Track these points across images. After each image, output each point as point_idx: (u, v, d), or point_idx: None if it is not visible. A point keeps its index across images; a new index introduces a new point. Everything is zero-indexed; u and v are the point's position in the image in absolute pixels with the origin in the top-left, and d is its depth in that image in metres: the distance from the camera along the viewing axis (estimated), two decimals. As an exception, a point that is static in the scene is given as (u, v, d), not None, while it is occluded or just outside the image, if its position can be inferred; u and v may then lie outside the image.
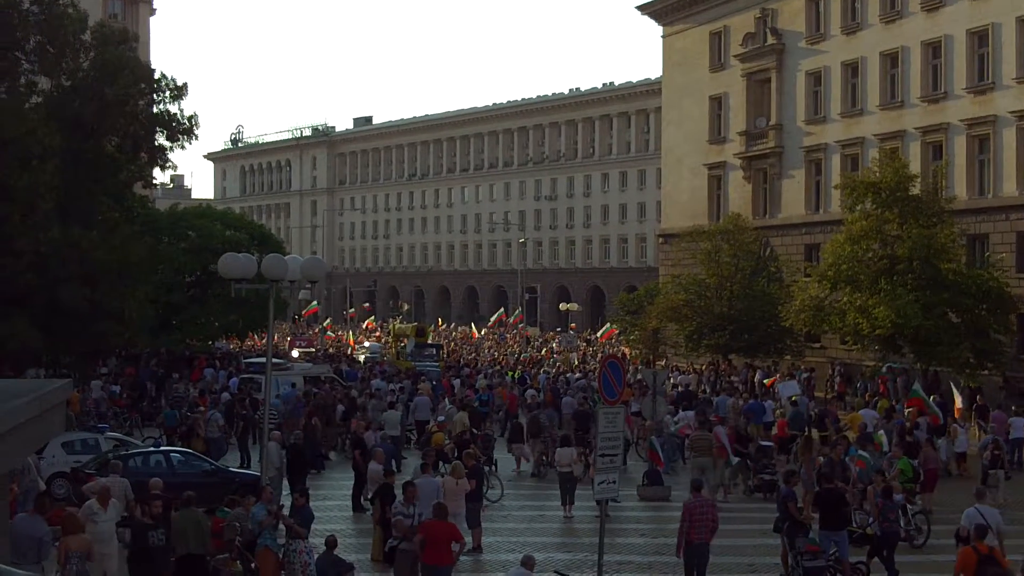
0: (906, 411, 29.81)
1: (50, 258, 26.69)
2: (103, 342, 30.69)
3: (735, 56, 54.15)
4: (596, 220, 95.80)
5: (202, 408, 30.17)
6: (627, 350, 55.20)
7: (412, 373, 44.07)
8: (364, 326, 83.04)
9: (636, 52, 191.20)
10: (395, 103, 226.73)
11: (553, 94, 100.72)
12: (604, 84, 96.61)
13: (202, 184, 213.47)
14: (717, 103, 55.82)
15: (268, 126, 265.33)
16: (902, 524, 18.89)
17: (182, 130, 33.17)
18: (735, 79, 54.25)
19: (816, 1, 49.82)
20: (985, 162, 41.64)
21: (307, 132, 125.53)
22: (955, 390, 32.59)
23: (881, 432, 27.13)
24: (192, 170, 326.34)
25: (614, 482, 16.26)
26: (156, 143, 33.50)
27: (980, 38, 41.81)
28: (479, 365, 52.90)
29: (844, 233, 37.66)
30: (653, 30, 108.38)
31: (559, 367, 51.19)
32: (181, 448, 24.76)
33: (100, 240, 27.54)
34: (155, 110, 33.35)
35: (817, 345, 46.84)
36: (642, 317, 52.03)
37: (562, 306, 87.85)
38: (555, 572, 16.38)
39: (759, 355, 46.24)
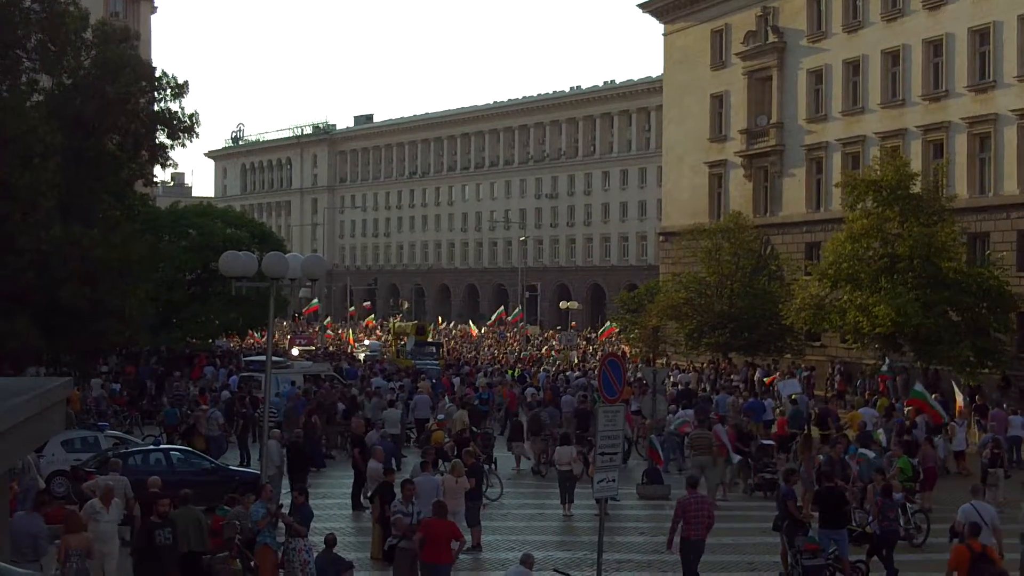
0: (906, 410, 29.81)
1: (51, 256, 26.68)
2: (103, 340, 30.68)
3: (736, 54, 54.13)
4: (597, 218, 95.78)
5: (204, 407, 30.19)
6: (627, 348, 55.20)
7: (412, 371, 44.08)
8: (364, 324, 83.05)
9: (637, 50, 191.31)
10: (396, 101, 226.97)
11: (554, 92, 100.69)
12: (605, 82, 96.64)
13: (203, 182, 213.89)
14: (718, 101, 55.80)
15: (269, 124, 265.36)
16: (901, 523, 18.90)
17: (183, 128, 33.15)
18: (736, 77, 54.23)
19: (817, -1, 49.83)
20: (986, 160, 41.63)
21: (308, 130, 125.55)
22: (956, 389, 32.59)
23: (880, 431, 27.14)
24: (193, 168, 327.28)
25: (614, 480, 16.29)
26: (157, 141, 33.48)
27: (981, 36, 41.78)
28: (479, 363, 52.92)
29: (845, 231, 37.65)
30: (654, 28, 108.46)
31: (559, 365, 51.20)
32: (181, 446, 24.77)
33: (101, 238, 27.53)
34: (156, 108, 33.33)
35: (817, 343, 46.85)
36: (642, 315, 52.04)
37: (562, 304, 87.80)
38: (554, 570, 16.41)
39: (759, 353, 46.24)
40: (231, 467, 23.94)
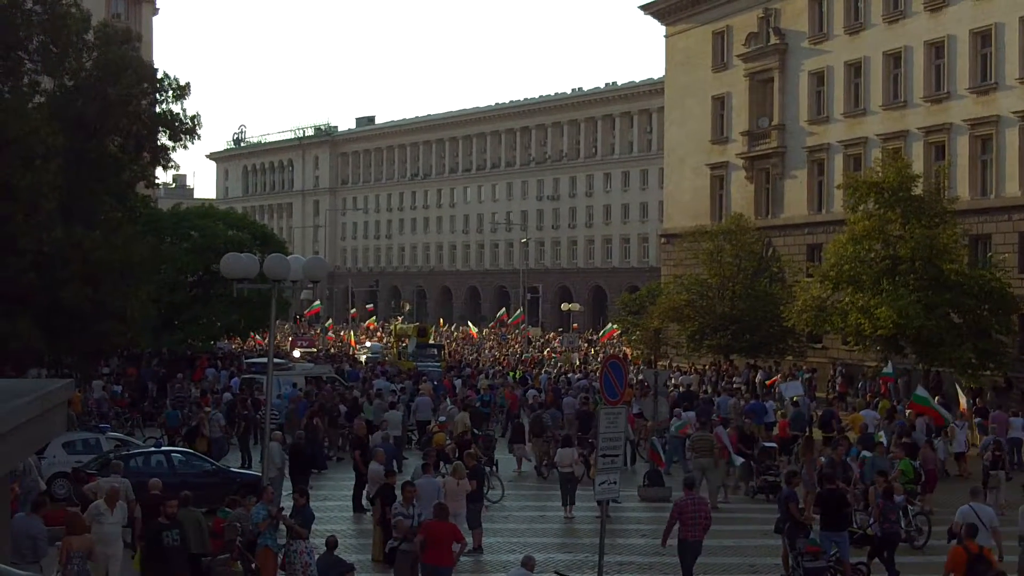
0: (907, 412, 29.79)
1: (53, 258, 26.70)
2: (105, 342, 30.66)
3: (738, 56, 54.14)
4: (598, 220, 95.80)
5: (208, 408, 30.19)
6: (629, 350, 55.20)
7: (414, 373, 44.08)
8: (365, 326, 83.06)
9: (639, 52, 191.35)
10: (398, 103, 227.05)
11: (555, 94, 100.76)
12: (607, 84, 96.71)
13: (204, 184, 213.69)
14: (720, 103, 55.81)
15: (270, 126, 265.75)
16: (902, 525, 18.88)
17: (185, 130, 33.16)
18: (738, 79, 54.23)
19: (819, 1, 49.80)
20: (988, 162, 41.62)
21: (309, 132, 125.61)
22: (960, 391, 32.55)
23: (881, 432, 27.13)
24: (194, 170, 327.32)
25: (615, 483, 16.29)
26: (159, 143, 33.48)
27: (983, 38, 41.78)
28: (480, 365, 52.92)
29: (846, 233, 37.64)
30: (656, 30, 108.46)
31: (560, 367, 51.19)
32: (182, 448, 24.77)
33: (102, 240, 27.52)
34: (158, 110, 33.34)
35: (819, 345, 46.84)
36: (644, 317, 52.02)
37: (564, 306, 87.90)
38: (556, 572, 16.39)
39: (761, 355, 46.22)
40: (232, 469, 23.95)
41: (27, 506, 15.22)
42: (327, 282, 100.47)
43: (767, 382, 41.65)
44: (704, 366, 48.94)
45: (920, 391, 30.75)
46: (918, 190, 37.38)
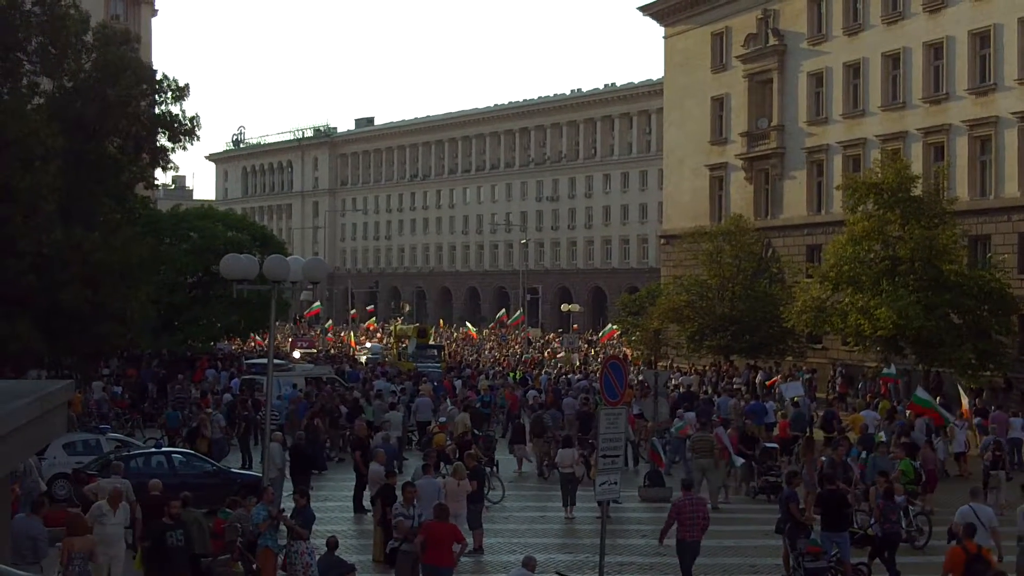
0: (907, 413, 29.80)
1: (52, 259, 26.73)
2: (105, 343, 30.69)
3: (737, 57, 54.15)
4: (598, 221, 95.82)
5: (209, 410, 30.19)
6: (629, 351, 55.20)
7: (414, 374, 44.09)
8: (365, 327, 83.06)
9: (637, 53, 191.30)
10: (397, 104, 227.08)
11: (555, 95, 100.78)
12: (605, 85, 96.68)
13: (204, 185, 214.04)
14: (719, 104, 55.82)
15: (270, 127, 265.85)
16: (903, 525, 18.88)
17: (184, 131, 33.21)
18: (737, 80, 54.25)
19: (818, 2, 49.81)
20: (987, 163, 41.63)
21: (309, 133, 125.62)
22: (962, 391, 32.54)
23: (881, 433, 27.13)
24: (194, 171, 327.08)
25: (615, 483, 16.29)
26: (158, 144, 33.54)
27: (982, 39, 41.79)
28: (480, 366, 52.92)
29: (846, 234, 37.63)
30: (655, 31, 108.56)
31: (560, 368, 51.19)
32: (182, 449, 24.77)
33: (102, 241, 27.55)
34: (157, 111, 33.39)
35: (819, 346, 46.83)
36: (644, 318, 52.01)
37: (564, 307, 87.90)
38: (556, 573, 16.40)
39: (761, 356, 46.21)
40: (233, 470, 23.94)
41: (27, 507, 15.22)
42: (327, 283, 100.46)
43: (767, 383, 41.64)
44: (704, 367, 48.94)
45: (920, 392, 30.76)
46: (917, 191, 37.37)
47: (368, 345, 66.85)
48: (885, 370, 36.78)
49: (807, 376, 42.59)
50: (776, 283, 47.39)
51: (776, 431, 29.46)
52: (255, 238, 49.93)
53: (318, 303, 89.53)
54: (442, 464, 22.21)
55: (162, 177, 41.38)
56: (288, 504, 18.53)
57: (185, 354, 48.54)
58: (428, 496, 17.29)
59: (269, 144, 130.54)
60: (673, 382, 40.94)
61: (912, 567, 17.96)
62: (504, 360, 58.29)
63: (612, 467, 16.19)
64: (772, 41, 51.91)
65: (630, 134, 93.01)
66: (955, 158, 42.12)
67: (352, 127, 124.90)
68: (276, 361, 28.16)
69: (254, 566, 15.64)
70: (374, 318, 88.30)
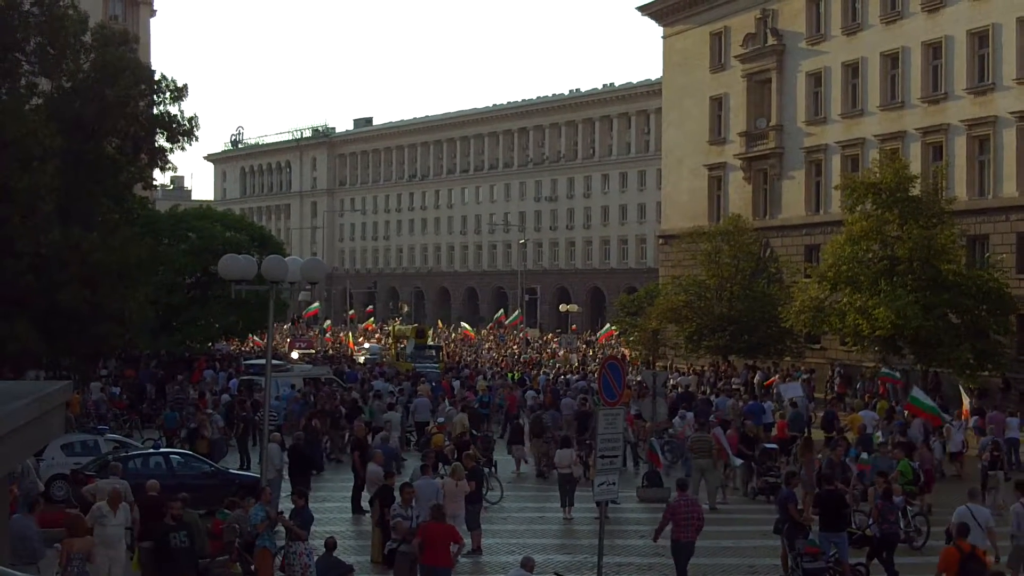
0: (905, 414, 29.81)
1: (50, 259, 26.72)
2: (103, 344, 30.68)
3: (735, 57, 54.17)
4: (596, 221, 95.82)
5: (211, 411, 30.18)
6: (627, 351, 55.21)
7: (412, 374, 44.08)
8: (363, 327, 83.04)
9: (636, 53, 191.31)
10: (395, 104, 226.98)
11: (553, 95, 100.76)
12: (604, 85, 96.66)
13: (202, 185, 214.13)
14: (717, 104, 55.83)
15: (268, 127, 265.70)
16: (901, 526, 18.88)
17: (182, 131, 33.19)
18: (735, 80, 54.26)
19: (816, 2, 49.83)
20: (985, 163, 41.65)
21: (307, 133, 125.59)
22: (963, 392, 32.53)
23: (879, 433, 27.12)
24: (192, 171, 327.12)
25: (614, 484, 16.29)
26: (156, 144, 33.53)
27: (980, 39, 41.81)
28: (479, 366, 52.91)
29: (844, 234, 37.65)
30: (653, 31, 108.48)
31: (559, 368, 51.19)
32: (181, 450, 24.75)
33: (100, 241, 27.54)
34: (155, 111, 33.38)
35: (817, 346, 46.84)
36: (642, 318, 52.02)
37: (562, 307, 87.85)
38: (555, 573, 16.42)
39: (759, 356, 46.23)
40: (231, 470, 23.93)
41: (25, 508, 15.21)
42: (325, 283, 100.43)
43: (765, 383, 41.64)
44: (702, 367, 48.95)
45: (916, 391, 30.79)
46: (916, 191, 37.38)
47: (366, 345, 66.84)
48: (884, 370, 36.78)
49: (805, 376, 42.59)
50: (774, 283, 47.41)
51: (774, 431, 29.48)
52: (253, 238, 49.94)
53: (316, 303, 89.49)
54: (440, 465, 22.21)
55: (160, 177, 41.45)
56: (287, 505, 18.51)
57: (183, 355, 48.54)
58: (426, 497, 17.29)
59: (267, 144, 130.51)
60: (671, 382, 40.93)
61: (910, 567, 17.96)
62: (503, 361, 58.28)
63: (610, 467, 16.19)
64: (771, 41, 51.92)
65: (628, 134, 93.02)
66: (953, 158, 42.15)
67: (350, 127, 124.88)
68: (274, 362, 28.15)
69: (252, 567, 15.64)
70: (372, 318, 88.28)
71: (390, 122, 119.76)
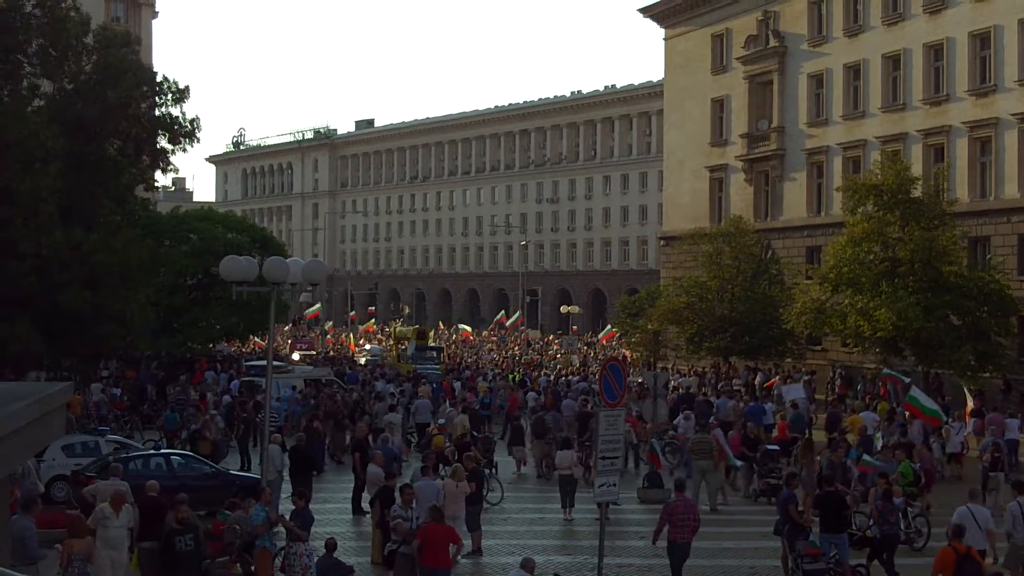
0: (905, 415, 29.80)
1: (52, 261, 26.74)
2: (104, 345, 30.71)
3: (737, 58, 54.17)
4: (597, 222, 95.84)
5: (213, 411, 30.20)
6: (628, 353, 55.20)
7: (413, 376, 44.09)
8: (364, 329, 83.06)
9: (638, 54, 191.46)
10: (397, 106, 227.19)
11: (555, 97, 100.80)
12: (606, 86, 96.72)
13: (204, 187, 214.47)
14: (719, 105, 55.84)
15: (270, 129, 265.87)
16: (902, 526, 18.88)
17: (184, 133, 33.23)
18: (737, 81, 54.26)
19: (818, 3, 49.84)
20: (987, 164, 41.64)
21: (309, 135, 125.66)
22: (967, 393, 32.51)
23: (879, 434, 27.10)
24: (194, 173, 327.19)
25: (614, 485, 16.29)
26: (158, 146, 33.56)
27: (982, 40, 41.80)
28: (480, 368, 52.93)
29: (845, 235, 37.63)
30: (655, 32, 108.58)
31: (560, 369, 51.20)
32: (182, 451, 24.77)
33: (102, 243, 27.57)
34: (157, 113, 33.40)
35: (818, 347, 46.84)
36: (643, 320, 52.01)
37: (563, 309, 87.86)
38: (555, 575, 16.40)
39: (760, 358, 46.22)
40: (232, 471, 23.94)
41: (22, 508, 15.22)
42: (326, 285, 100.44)
43: (766, 384, 41.62)
44: (704, 368, 48.94)
45: (914, 392, 30.79)
46: (917, 192, 37.38)
47: (367, 347, 66.85)
48: (889, 371, 36.75)
49: (806, 378, 42.56)
50: (776, 285, 47.38)
51: (775, 433, 29.47)
52: (255, 240, 49.97)
53: (318, 305, 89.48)
54: (441, 466, 22.22)
55: (162, 179, 41.56)
56: (287, 506, 18.52)
57: (184, 356, 48.57)
58: (427, 498, 17.29)
59: (269, 146, 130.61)
60: (672, 384, 40.93)
61: (910, 568, 17.95)
62: (503, 362, 58.28)
63: (611, 469, 16.19)
64: (772, 43, 51.93)
65: (630, 136, 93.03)
66: (955, 159, 42.13)
67: (352, 129, 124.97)
68: (275, 363, 28.17)
69: (252, 568, 15.65)
70: (373, 320, 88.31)
71: (392, 124, 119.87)
